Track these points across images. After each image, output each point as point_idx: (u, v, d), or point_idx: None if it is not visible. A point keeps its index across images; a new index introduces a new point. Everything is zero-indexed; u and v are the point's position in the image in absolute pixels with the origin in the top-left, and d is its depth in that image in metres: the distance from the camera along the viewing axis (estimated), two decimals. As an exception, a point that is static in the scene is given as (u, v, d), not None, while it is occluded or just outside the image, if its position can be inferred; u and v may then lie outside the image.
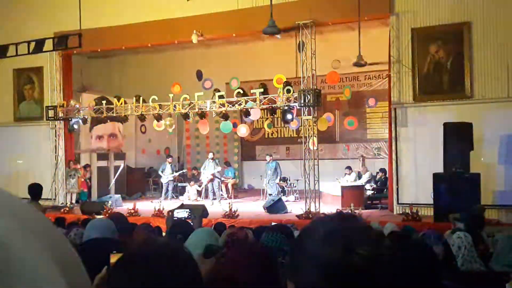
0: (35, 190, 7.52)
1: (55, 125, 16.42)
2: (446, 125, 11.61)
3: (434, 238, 4.59)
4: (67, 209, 14.72)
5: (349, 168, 15.67)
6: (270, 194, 15.69)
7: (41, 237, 0.58)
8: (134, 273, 1.19)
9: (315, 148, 13.46)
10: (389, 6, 13.35)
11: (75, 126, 16.03)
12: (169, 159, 17.22)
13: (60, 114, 15.83)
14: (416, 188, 12.92)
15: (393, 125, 13.51)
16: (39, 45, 12.85)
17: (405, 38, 13.27)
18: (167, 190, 16.88)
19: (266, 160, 16.47)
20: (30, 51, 12.91)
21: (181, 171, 18.03)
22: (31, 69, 17.11)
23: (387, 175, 14.54)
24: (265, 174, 16.27)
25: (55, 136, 16.54)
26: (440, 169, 11.52)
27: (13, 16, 17.06)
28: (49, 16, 16.43)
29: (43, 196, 7.92)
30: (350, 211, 12.12)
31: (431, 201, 11.54)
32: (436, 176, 11.45)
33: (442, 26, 12.93)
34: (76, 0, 13.50)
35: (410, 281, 1.83)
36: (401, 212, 12.64)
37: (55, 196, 16.16)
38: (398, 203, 13.18)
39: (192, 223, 5.80)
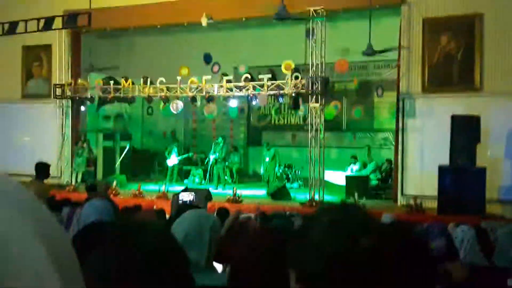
0: (42, 169, 7.55)
1: (63, 104, 16.44)
2: (454, 118, 11.55)
3: (438, 231, 4.57)
4: (72, 187, 14.79)
5: (354, 157, 15.65)
6: (267, 182, 15.71)
7: (26, 214, 0.58)
8: (108, 252, 1.17)
9: (321, 136, 13.44)
10: (401, -5, 13.24)
11: (82, 107, 16.09)
12: (175, 143, 17.26)
13: (68, 93, 15.84)
14: (421, 180, 12.88)
15: (400, 116, 13.45)
16: (48, 23, 12.85)
17: (416, 28, 13.16)
18: (172, 173, 16.93)
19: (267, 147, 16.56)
20: (40, 28, 12.91)
21: (187, 154, 18.05)
22: (40, 47, 17.09)
23: (392, 166, 14.51)
24: (263, 161, 16.32)
25: (62, 115, 16.57)
26: (446, 161, 11.47)
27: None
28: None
29: (48, 174, 7.93)
30: (353, 201, 12.13)
31: (436, 193, 11.53)
32: (441, 168, 11.42)
33: (453, 17, 12.80)
34: (86, -21, 13.46)
35: (409, 273, 1.83)
36: (405, 203, 12.63)
37: (60, 175, 16.22)
38: (402, 194, 13.16)
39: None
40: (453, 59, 12.86)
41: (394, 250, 1.13)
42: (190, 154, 18.51)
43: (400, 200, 13.12)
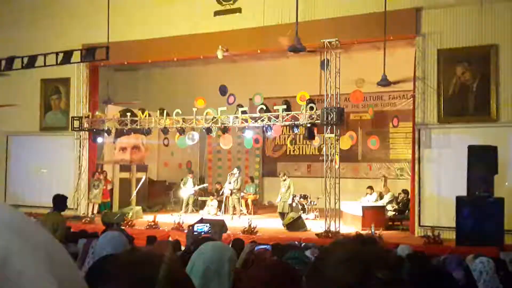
0: (59, 201, 7.61)
1: (80, 136, 16.62)
2: (470, 148, 11.46)
3: (455, 262, 4.52)
4: (88, 219, 14.84)
5: (370, 188, 15.54)
6: (279, 212, 15.47)
7: (40, 250, 0.59)
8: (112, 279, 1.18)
9: (337, 166, 13.39)
10: (415, 27, 13.31)
11: (99, 139, 16.24)
12: (191, 174, 17.30)
13: (85, 125, 16.02)
14: (438, 211, 12.74)
15: (416, 146, 13.39)
16: (67, 57, 13.09)
17: (431, 59, 13.19)
18: (187, 204, 16.94)
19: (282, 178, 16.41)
20: (58, 62, 13.15)
21: (202, 185, 18.07)
22: (58, 80, 17.39)
23: (409, 196, 14.38)
24: (279, 191, 16.19)
25: (80, 147, 16.73)
26: (463, 192, 11.35)
27: (43, 27, 17.40)
28: (78, 28, 16.73)
29: (65, 206, 7.99)
30: (370, 232, 12.01)
31: (454, 225, 11.38)
32: (459, 199, 11.30)
33: (468, 48, 12.82)
34: (104, 14, 13.74)
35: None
36: (422, 235, 12.47)
37: (77, 206, 16.29)
38: (419, 225, 13.01)
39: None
40: (469, 90, 12.83)
41: (411, 283, 1.13)
42: (205, 185, 18.53)
43: (418, 231, 12.96)
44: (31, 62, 13.44)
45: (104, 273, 1.20)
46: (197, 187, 17.10)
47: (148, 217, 14.83)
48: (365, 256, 1.09)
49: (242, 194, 16.69)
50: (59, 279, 0.58)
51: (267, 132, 14.63)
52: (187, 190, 16.88)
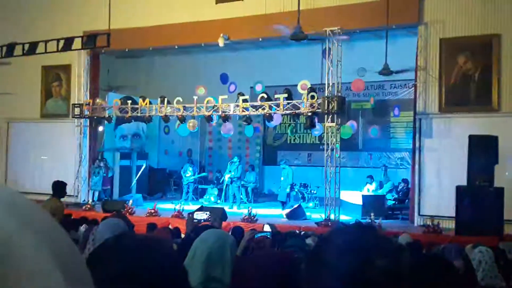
0: (58, 187, 7.62)
1: (81, 123, 16.61)
2: (471, 138, 11.45)
3: (455, 251, 4.53)
4: (88, 206, 14.88)
5: (371, 177, 15.55)
6: (280, 201, 15.54)
7: (43, 237, 0.59)
8: (106, 262, 1.18)
9: (337, 155, 13.40)
10: (418, 16, 13.25)
11: (100, 127, 16.26)
12: (190, 162, 17.34)
13: (86, 112, 16.01)
14: (438, 200, 12.76)
15: (417, 135, 13.38)
16: (68, 43, 13.06)
17: (433, 48, 13.15)
18: (187, 192, 16.97)
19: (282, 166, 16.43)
20: (59, 49, 13.12)
21: (202, 174, 18.09)
22: (59, 67, 17.36)
23: (409, 186, 14.40)
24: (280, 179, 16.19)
25: (80, 134, 16.74)
26: (463, 182, 11.36)
27: (43, 15, 17.34)
28: (79, 15, 16.66)
29: (65, 193, 8.00)
30: (370, 221, 12.04)
31: (453, 214, 11.40)
32: (459, 189, 11.31)
33: (471, 37, 12.78)
34: (106, 1, 13.67)
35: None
36: (422, 224, 12.50)
37: (77, 193, 16.33)
38: (419, 215, 13.04)
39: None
40: (471, 79, 12.80)
41: (411, 272, 1.13)
42: (205, 173, 18.55)
43: (417, 221, 12.99)
44: (32, 48, 13.41)
45: (103, 258, 1.20)
46: (196, 176, 17.11)
47: (149, 205, 14.86)
48: (365, 244, 1.09)
49: (242, 182, 16.70)
50: (62, 267, 0.58)
51: (268, 120, 14.60)
52: (186, 178, 16.91)
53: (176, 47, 16.29)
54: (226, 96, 14.75)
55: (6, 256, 0.54)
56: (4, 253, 0.54)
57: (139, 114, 15.59)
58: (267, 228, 7.23)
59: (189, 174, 16.91)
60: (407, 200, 14.40)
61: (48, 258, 0.57)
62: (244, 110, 14.27)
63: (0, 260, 0.54)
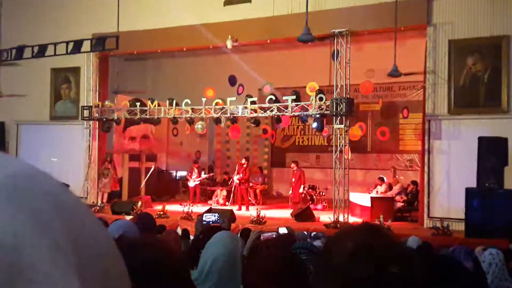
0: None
1: (90, 125, 16.68)
2: (481, 139, 11.40)
3: (464, 254, 4.50)
4: (97, 208, 14.92)
5: (381, 179, 15.48)
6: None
7: (61, 238, 0.49)
8: None
9: (347, 157, 13.36)
10: (426, 17, 13.20)
11: (109, 129, 16.30)
12: (196, 164, 17.36)
13: (95, 114, 16.07)
14: (447, 202, 12.70)
15: (426, 137, 13.32)
16: (77, 46, 13.13)
17: (442, 50, 13.09)
18: (194, 194, 16.98)
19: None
20: (68, 51, 13.19)
21: (208, 175, 18.08)
22: (68, 69, 17.44)
23: (418, 188, 14.33)
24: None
25: (89, 136, 16.80)
26: (473, 184, 11.30)
27: (53, 17, 17.41)
28: (88, 18, 16.73)
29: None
30: (378, 223, 11.98)
31: (463, 216, 11.34)
32: (469, 191, 11.25)
33: (480, 38, 12.71)
34: (114, 3, 13.73)
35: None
36: (431, 226, 12.44)
37: (87, 195, 16.39)
38: (428, 217, 12.97)
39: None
40: (480, 81, 12.72)
41: (423, 276, 1.11)
42: (207, 175, 18.56)
43: (426, 223, 12.92)
44: (41, 51, 13.48)
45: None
46: (201, 177, 17.12)
47: (157, 207, 14.88)
48: (375, 248, 1.08)
49: (250, 184, 16.69)
50: (84, 275, 0.47)
51: (276, 123, 14.58)
52: (192, 180, 16.93)
53: (184, 49, 16.32)
54: (234, 98, 14.76)
55: (15, 263, 0.44)
56: (13, 259, 0.44)
57: (147, 116, 15.63)
58: (283, 230, 7.26)
59: (195, 176, 16.92)
60: (416, 202, 14.34)
61: (66, 270, 0.46)
62: (253, 112, 14.28)
63: (6, 269, 0.43)
